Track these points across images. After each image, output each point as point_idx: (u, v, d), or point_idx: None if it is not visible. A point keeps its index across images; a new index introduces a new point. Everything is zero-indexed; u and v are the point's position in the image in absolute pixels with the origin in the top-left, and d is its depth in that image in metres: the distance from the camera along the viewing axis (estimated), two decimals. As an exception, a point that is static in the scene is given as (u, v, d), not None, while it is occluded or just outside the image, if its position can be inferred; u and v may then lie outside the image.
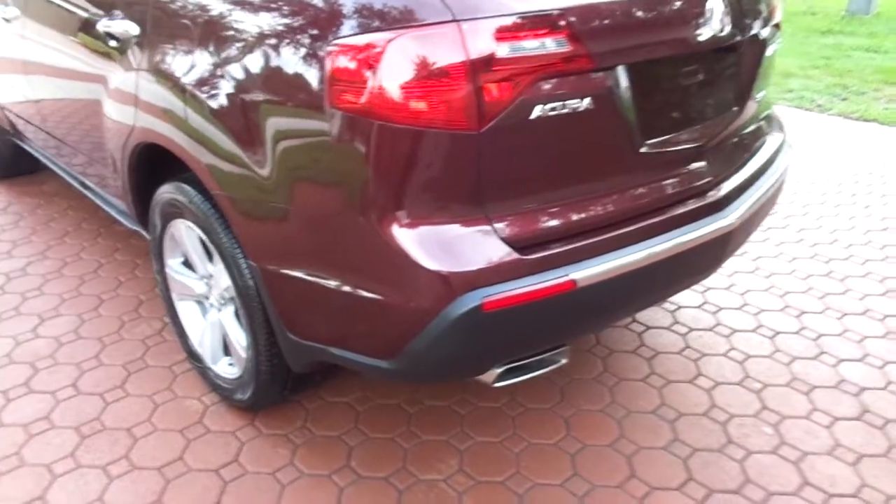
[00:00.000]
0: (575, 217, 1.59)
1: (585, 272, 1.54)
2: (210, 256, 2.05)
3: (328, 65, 1.43)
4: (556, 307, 1.54)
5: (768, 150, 2.12)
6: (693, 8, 1.66)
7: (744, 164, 1.99)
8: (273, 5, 1.55)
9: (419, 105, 1.38)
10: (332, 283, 1.58)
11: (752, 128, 2.06)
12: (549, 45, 1.43)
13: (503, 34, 1.39)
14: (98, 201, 2.73)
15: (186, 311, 2.25)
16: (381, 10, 1.39)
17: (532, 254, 1.51)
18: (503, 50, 1.39)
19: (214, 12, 1.69)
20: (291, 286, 1.66)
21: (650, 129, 1.65)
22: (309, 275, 1.61)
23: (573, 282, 1.53)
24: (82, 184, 2.85)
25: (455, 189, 1.45)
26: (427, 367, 1.56)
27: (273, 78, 1.53)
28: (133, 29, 1.95)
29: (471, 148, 1.41)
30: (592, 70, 1.49)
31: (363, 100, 1.40)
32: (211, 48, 1.68)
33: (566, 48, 1.45)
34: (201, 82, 1.69)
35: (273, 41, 1.53)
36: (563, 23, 1.44)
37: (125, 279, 2.92)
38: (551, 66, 1.44)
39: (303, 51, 1.47)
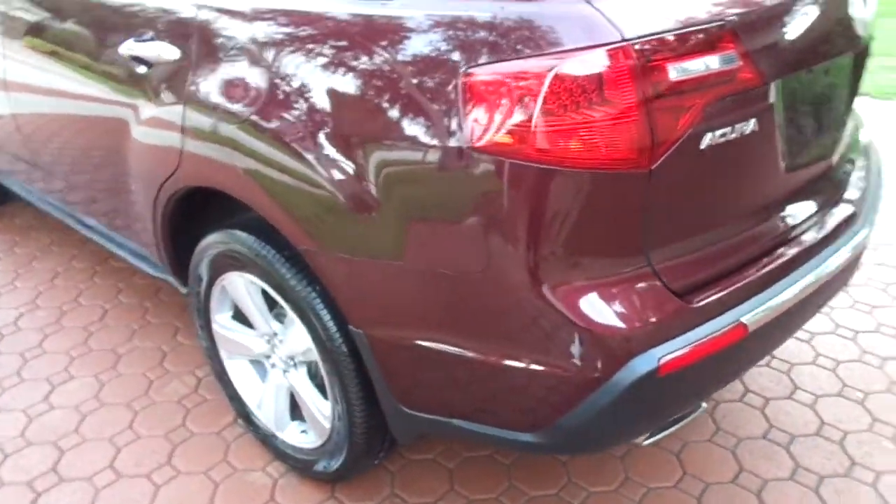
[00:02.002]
0: (732, 252, 1.40)
1: (754, 314, 1.35)
2: (273, 309, 1.78)
3: (466, 98, 1.18)
4: (727, 356, 1.35)
5: (868, 151, 1.97)
6: (833, 14, 1.48)
7: (854, 171, 1.83)
8: (387, 24, 1.28)
9: (583, 143, 1.15)
10: (464, 352, 1.34)
11: (857, 133, 1.90)
12: (722, 61, 1.22)
13: (675, 53, 1.17)
14: (106, 244, 2.39)
15: (240, 372, 1.97)
16: (536, 29, 1.14)
17: (697, 300, 1.31)
18: (676, 72, 1.17)
19: (302, 35, 1.40)
20: (409, 355, 1.41)
21: (793, 147, 1.46)
22: (435, 343, 1.37)
23: (744, 326, 1.34)
24: (81, 222, 2.51)
25: (618, 237, 1.24)
26: (582, 438, 1.35)
27: (391, 113, 1.27)
28: (171, 53, 1.64)
29: (638, 189, 1.20)
30: (758, 87, 1.29)
31: (514, 139, 1.16)
32: (299, 79, 1.39)
33: (737, 64, 1.24)
34: (287, 120, 1.40)
35: (388, 68, 1.27)
36: (733, 36, 1.23)
37: (138, 326, 2.60)
38: (723, 86, 1.23)
39: (431, 79, 1.22)
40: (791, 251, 1.49)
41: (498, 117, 1.17)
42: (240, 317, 1.90)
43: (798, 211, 1.54)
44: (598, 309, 1.24)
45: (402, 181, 1.29)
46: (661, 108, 1.16)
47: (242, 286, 1.76)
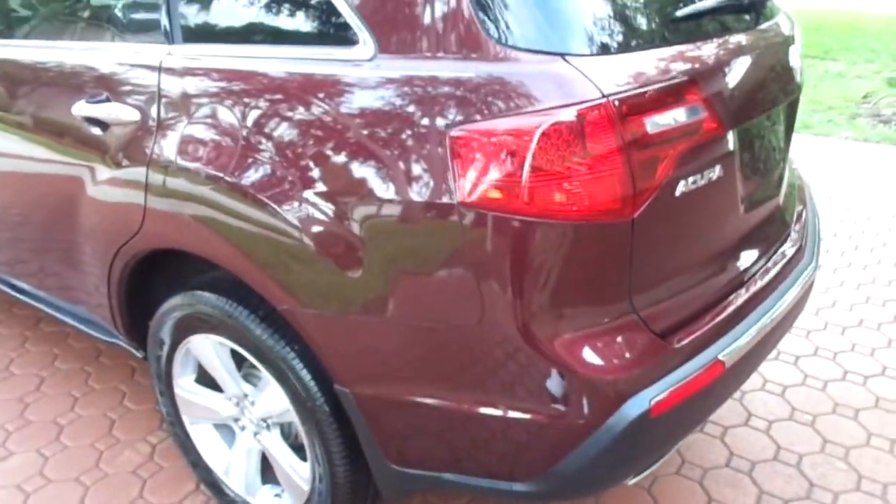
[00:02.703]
0: (703, 292, 1.47)
1: (729, 350, 1.42)
2: (241, 369, 1.73)
3: (455, 155, 1.20)
4: (709, 392, 1.41)
5: (803, 189, 2.11)
6: (778, 64, 1.60)
7: (795, 207, 1.96)
8: (370, 85, 1.29)
9: (570, 195, 1.19)
10: (457, 406, 1.34)
11: (794, 170, 2.04)
12: (689, 113, 1.29)
13: (650, 107, 1.23)
14: (45, 308, 2.26)
15: (205, 437, 1.88)
16: (520, 89, 1.18)
17: (677, 341, 1.36)
18: (652, 124, 1.23)
19: (279, 95, 1.38)
20: (400, 412, 1.40)
21: (748, 189, 1.56)
22: (426, 398, 1.36)
23: (722, 363, 1.40)
24: (11, 285, 2.37)
25: (605, 285, 1.28)
26: (577, 484, 1.36)
27: (377, 171, 1.27)
28: (129, 114, 1.59)
29: (623, 237, 1.25)
30: (721, 135, 1.38)
31: (503, 194, 1.19)
32: (277, 137, 1.37)
33: (703, 115, 1.32)
34: (266, 179, 1.38)
35: (371, 127, 1.27)
36: (697, 89, 1.31)
37: (80, 394, 2.45)
38: (692, 136, 1.31)
39: (418, 138, 1.23)
40: (753, 288, 1.57)
41: (487, 174, 1.19)
42: (203, 379, 1.84)
43: (755, 249, 1.63)
44: (590, 356, 1.26)
45: (389, 237, 1.29)
46: (640, 159, 1.22)
47: (210, 348, 1.70)
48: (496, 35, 1.21)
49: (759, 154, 1.60)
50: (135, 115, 1.58)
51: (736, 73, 1.42)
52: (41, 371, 2.58)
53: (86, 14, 1.79)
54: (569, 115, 1.16)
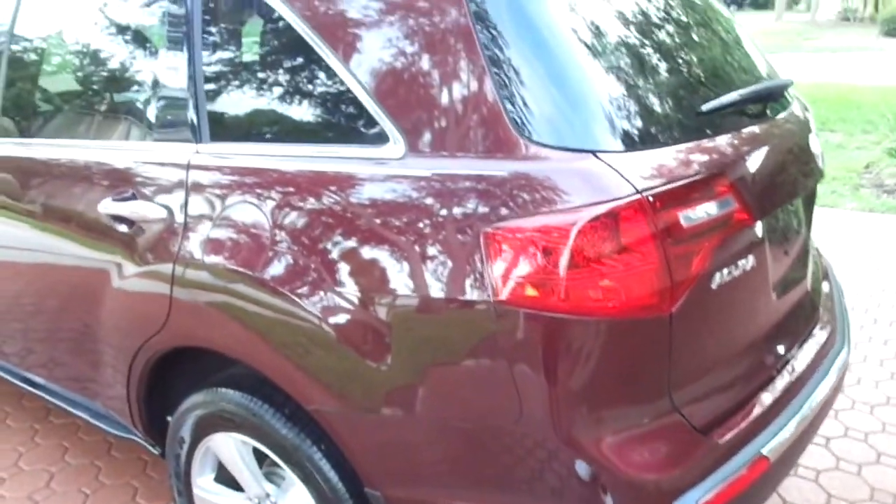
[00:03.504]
0: (742, 382, 1.44)
1: (774, 444, 1.37)
2: (262, 466, 1.68)
3: (490, 253, 1.20)
4: (753, 490, 1.35)
5: (827, 270, 2.10)
6: (800, 151, 1.62)
7: (822, 288, 1.95)
8: (402, 178, 1.30)
9: (608, 292, 1.17)
10: (494, 509, 1.29)
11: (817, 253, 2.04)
12: (722, 206, 1.30)
13: (684, 202, 1.24)
14: (57, 401, 2.22)
15: (223, 539, 1.81)
16: (554, 186, 1.18)
17: (720, 437, 1.32)
18: (686, 218, 1.23)
19: (311, 193, 1.38)
20: (433, 516, 1.34)
21: (779, 276, 1.55)
22: (462, 501, 1.31)
23: (766, 458, 1.35)
24: (24, 379, 2.33)
25: (644, 382, 1.25)
26: (622, 590, 1.29)
27: (410, 268, 1.26)
28: (155, 212, 1.60)
29: (661, 333, 1.22)
30: (751, 225, 1.38)
31: (540, 292, 1.17)
32: (310, 235, 1.38)
33: (734, 207, 1.32)
34: (298, 279, 1.37)
35: (405, 223, 1.27)
36: (728, 182, 1.32)
37: (91, 490, 2.37)
38: (725, 228, 1.31)
39: (452, 235, 1.23)
40: (790, 376, 1.54)
41: (522, 271, 1.18)
42: (222, 477, 1.78)
43: (789, 336, 1.61)
44: (633, 457, 1.22)
45: (421, 335, 1.27)
46: (676, 253, 1.21)
47: (232, 447, 1.65)
48: (527, 133, 1.22)
49: (786, 239, 1.60)
50: (161, 213, 1.59)
51: (762, 163, 1.44)
52: (51, 466, 2.51)
53: (113, 113, 1.82)
54: (604, 211, 1.16)
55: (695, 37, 1.58)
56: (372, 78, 1.34)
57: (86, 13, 1.89)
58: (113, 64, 1.82)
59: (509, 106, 1.23)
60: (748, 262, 1.37)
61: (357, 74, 1.35)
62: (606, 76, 1.29)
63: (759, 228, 1.41)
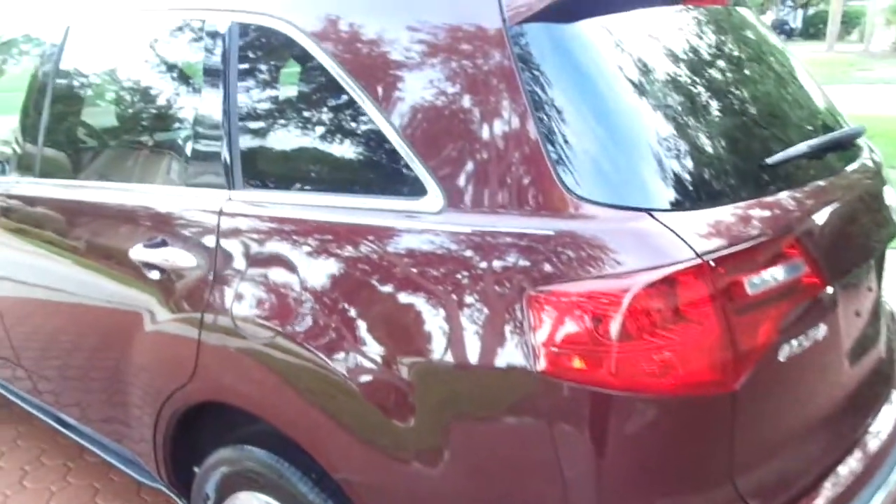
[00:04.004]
0: (813, 463, 1.30)
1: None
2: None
3: (534, 320, 1.10)
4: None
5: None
6: (874, 205, 1.50)
7: None
8: (440, 234, 1.21)
9: (664, 367, 1.06)
10: None
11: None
12: (791, 270, 1.18)
13: (748, 266, 1.12)
14: (88, 444, 2.18)
15: None
16: (607, 248, 1.09)
17: (787, 524, 1.19)
18: (751, 285, 1.11)
19: (348, 248, 1.31)
20: None
21: (853, 343, 1.41)
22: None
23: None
24: (58, 419, 2.30)
25: (705, 467, 1.13)
26: None
27: (449, 332, 1.17)
28: (185, 260, 1.55)
29: (724, 412, 1.10)
30: (823, 290, 1.25)
31: (588, 364, 1.07)
32: (346, 293, 1.30)
33: (804, 271, 1.20)
34: (323, 338, 1.29)
35: (441, 282, 1.19)
36: (797, 243, 1.20)
37: (120, 536, 2.33)
38: (794, 295, 1.18)
39: (493, 299, 1.13)
40: (866, 453, 1.39)
41: (569, 341, 1.08)
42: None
43: (864, 408, 1.47)
44: (691, 550, 1.10)
45: (457, 404, 1.18)
46: (740, 324, 1.10)
47: (256, 506, 1.57)
48: (576, 189, 1.13)
49: (858, 300, 1.46)
50: (191, 261, 1.54)
51: (832, 221, 1.31)
52: (80, 508, 2.47)
53: (147, 155, 1.80)
54: (661, 277, 1.05)
55: (754, 79, 1.47)
56: (409, 127, 1.27)
57: (123, 57, 1.88)
58: (147, 107, 1.79)
59: (556, 159, 1.14)
60: (819, 329, 1.24)
61: (394, 123, 1.28)
62: (661, 126, 1.19)
63: (830, 292, 1.28)
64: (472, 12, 1.24)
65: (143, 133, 1.83)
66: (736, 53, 1.48)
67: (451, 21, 1.25)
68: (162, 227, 1.63)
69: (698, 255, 1.07)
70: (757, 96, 1.43)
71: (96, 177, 1.91)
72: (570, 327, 1.08)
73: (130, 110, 1.87)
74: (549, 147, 1.14)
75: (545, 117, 1.15)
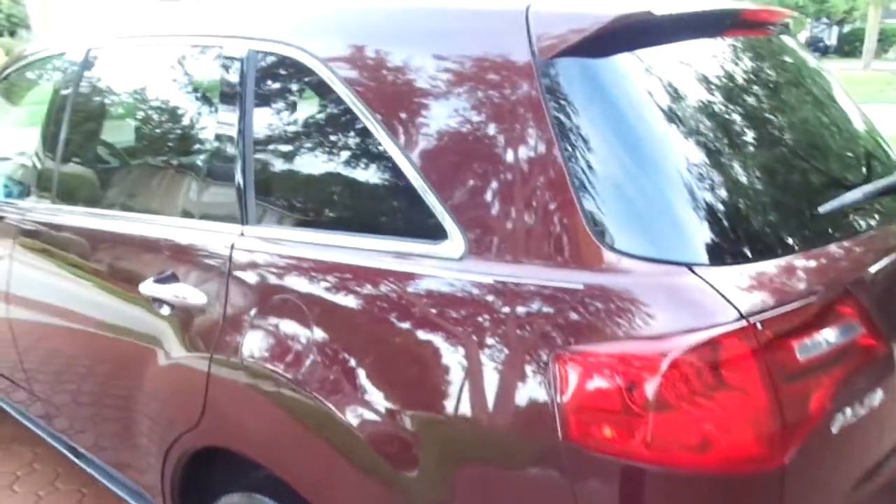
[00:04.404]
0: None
1: None
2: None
3: (559, 381, 1.01)
4: None
5: None
6: None
7: None
8: (459, 282, 1.13)
9: (705, 440, 0.96)
10: None
11: None
12: (845, 332, 1.07)
13: (799, 328, 1.02)
14: (98, 476, 2.12)
15: None
16: (643, 305, 0.99)
17: None
18: (802, 349, 1.01)
19: (366, 294, 1.23)
20: None
21: None
22: None
23: None
24: (72, 449, 2.25)
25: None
26: None
27: (461, 388, 1.09)
28: (195, 297, 1.48)
29: (771, 490, 0.99)
30: (881, 352, 1.14)
31: (618, 434, 0.97)
32: (349, 339, 1.23)
33: (860, 332, 1.09)
34: (334, 388, 1.21)
35: (459, 334, 1.10)
36: (852, 302, 1.10)
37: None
38: (849, 358, 1.08)
39: (513, 355, 1.05)
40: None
41: (598, 407, 0.99)
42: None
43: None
44: None
45: (474, 470, 1.09)
46: (789, 393, 0.99)
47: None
48: (608, 239, 1.04)
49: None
50: (201, 299, 1.47)
51: (890, 274, 1.20)
52: (90, 537, 2.41)
53: (159, 185, 1.74)
54: (702, 341, 0.96)
55: (802, 117, 1.37)
56: (430, 165, 1.19)
57: (138, 83, 1.84)
58: (161, 135, 1.75)
59: (587, 206, 1.05)
60: (876, 395, 1.13)
61: (414, 160, 1.20)
62: (703, 171, 1.10)
63: (889, 355, 1.17)
64: (499, 45, 1.16)
65: (156, 161, 1.78)
66: (781, 89, 1.38)
67: (476, 54, 1.18)
68: (172, 260, 1.57)
69: (743, 316, 0.97)
70: (806, 137, 1.33)
71: (110, 204, 1.86)
72: (600, 392, 0.99)
73: (144, 138, 1.83)
74: (581, 193, 1.05)
75: (576, 161, 1.06)
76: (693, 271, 1.00)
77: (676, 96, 1.16)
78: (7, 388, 2.42)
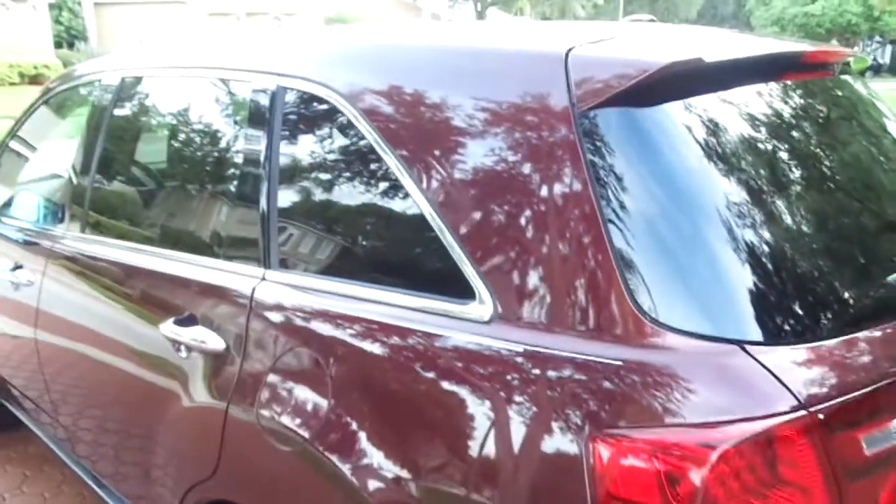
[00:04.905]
0: None
1: None
2: None
3: (595, 468, 0.92)
4: None
5: None
6: None
7: None
8: (486, 348, 1.04)
9: (757, 540, 0.86)
10: None
11: None
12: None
13: (867, 418, 0.91)
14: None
15: None
16: (685, 388, 0.89)
17: None
18: (869, 441, 0.90)
19: (373, 348, 1.17)
20: None
21: None
22: None
23: None
24: (94, 478, 2.22)
25: None
26: None
27: (487, 464, 1.00)
28: (214, 342, 1.42)
29: None
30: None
31: (660, 530, 0.88)
32: (369, 398, 1.16)
33: None
34: (351, 448, 1.14)
35: (484, 405, 1.02)
36: None
37: None
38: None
39: (542, 434, 0.95)
40: None
41: (636, 499, 0.89)
42: None
43: None
44: None
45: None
46: (856, 490, 0.88)
47: None
48: (652, 312, 0.94)
49: None
50: (220, 344, 1.41)
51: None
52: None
53: (183, 220, 1.71)
54: (756, 432, 0.86)
55: (873, 173, 1.25)
56: (457, 217, 1.11)
57: (166, 120, 1.81)
58: (187, 171, 1.71)
59: (628, 272, 0.96)
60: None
61: (440, 210, 1.12)
62: (758, 235, 1.00)
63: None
64: (535, 92, 1.08)
65: (181, 196, 1.74)
66: (847, 139, 1.27)
67: (510, 99, 1.10)
68: (193, 301, 1.51)
69: (803, 405, 0.87)
70: (874, 195, 1.21)
71: (137, 237, 1.83)
72: (639, 483, 0.89)
73: (171, 171, 1.79)
74: (621, 259, 0.96)
75: (618, 223, 0.97)
76: (745, 350, 0.90)
77: (729, 150, 1.06)
78: (34, 410, 2.41)
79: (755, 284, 0.95)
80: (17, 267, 2.15)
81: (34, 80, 19.83)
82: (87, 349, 1.92)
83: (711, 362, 0.91)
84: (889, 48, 37.75)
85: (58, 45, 23.72)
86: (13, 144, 2.52)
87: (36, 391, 2.33)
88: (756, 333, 0.92)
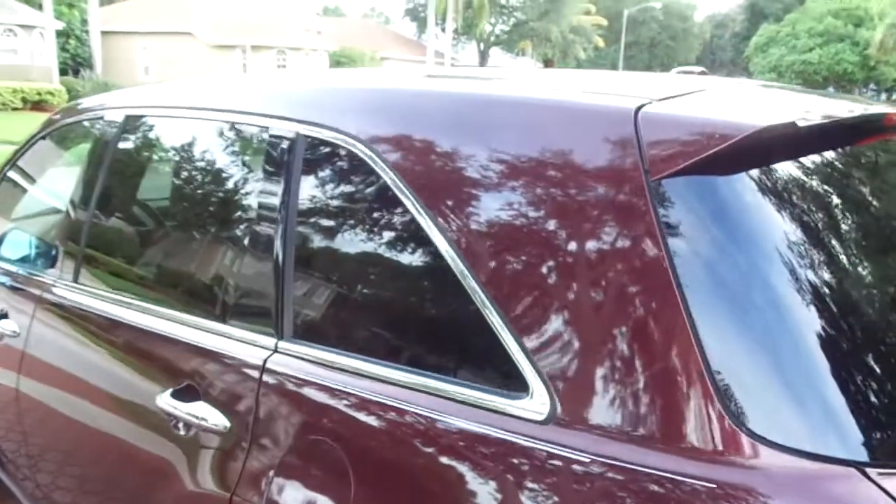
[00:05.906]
0: None
1: None
2: None
3: None
4: None
5: None
6: None
7: None
8: (541, 452, 0.88)
9: None
10: None
11: None
12: None
13: None
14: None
15: None
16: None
17: None
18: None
19: (409, 448, 1.01)
20: None
21: None
22: None
23: None
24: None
25: None
26: None
27: None
28: (217, 420, 1.25)
29: None
30: None
31: None
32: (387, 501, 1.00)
33: None
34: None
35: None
36: None
37: None
38: None
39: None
40: None
41: None
42: None
43: None
44: None
45: None
46: None
47: None
48: (747, 422, 0.79)
49: None
50: (223, 423, 1.24)
51: None
52: None
53: (187, 278, 1.55)
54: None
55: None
56: (508, 299, 0.96)
57: (168, 165, 1.67)
58: (191, 223, 1.56)
59: (718, 371, 0.81)
60: None
61: (488, 290, 0.97)
62: (880, 328, 0.85)
63: None
64: (599, 155, 0.94)
65: (184, 250, 1.59)
66: None
67: (570, 162, 0.96)
68: (193, 371, 1.35)
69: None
70: None
71: (134, 292, 1.66)
72: None
73: (172, 222, 1.65)
74: (710, 356, 0.81)
75: (706, 314, 0.83)
76: (866, 475, 0.75)
77: (830, 224, 0.93)
78: (11, 467, 2.22)
79: (876, 392, 0.80)
80: (2, 316, 1.98)
81: (36, 105, 19.82)
82: (74, 417, 1.75)
83: (822, 489, 0.75)
84: (884, 96, 38.12)
85: (63, 71, 23.77)
86: (10, 175, 2.37)
87: (12, 449, 2.14)
88: (878, 454, 0.77)
